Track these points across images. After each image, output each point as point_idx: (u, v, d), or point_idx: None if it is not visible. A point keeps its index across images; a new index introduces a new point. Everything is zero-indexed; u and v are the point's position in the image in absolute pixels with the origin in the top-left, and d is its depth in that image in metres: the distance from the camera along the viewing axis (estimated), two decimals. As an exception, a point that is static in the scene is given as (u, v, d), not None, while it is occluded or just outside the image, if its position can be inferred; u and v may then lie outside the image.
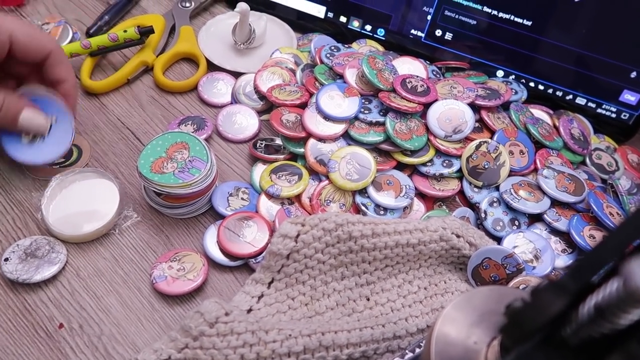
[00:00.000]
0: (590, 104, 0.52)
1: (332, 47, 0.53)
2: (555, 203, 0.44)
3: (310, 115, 0.47)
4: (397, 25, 0.55)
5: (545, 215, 0.43)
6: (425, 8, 0.53)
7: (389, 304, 0.40)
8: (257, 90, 0.51)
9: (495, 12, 0.51)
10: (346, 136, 0.47)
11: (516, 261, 0.40)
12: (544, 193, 0.44)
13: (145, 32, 0.52)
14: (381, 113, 0.47)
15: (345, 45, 0.54)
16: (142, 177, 0.40)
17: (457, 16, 0.53)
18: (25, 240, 0.40)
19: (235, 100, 0.51)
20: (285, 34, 0.57)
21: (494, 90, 0.49)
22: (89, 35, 0.54)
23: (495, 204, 0.44)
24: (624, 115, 0.52)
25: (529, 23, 0.51)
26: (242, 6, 0.52)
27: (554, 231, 0.43)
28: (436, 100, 0.47)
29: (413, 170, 0.46)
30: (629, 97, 0.51)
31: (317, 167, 0.45)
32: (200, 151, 0.42)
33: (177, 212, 0.43)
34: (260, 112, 0.51)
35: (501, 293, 0.29)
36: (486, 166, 0.45)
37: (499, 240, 0.43)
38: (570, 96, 0.53)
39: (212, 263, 0.41)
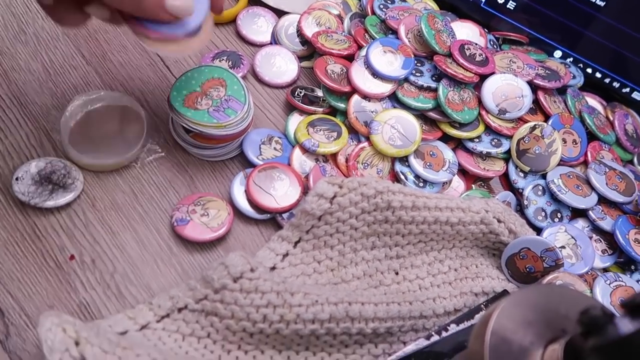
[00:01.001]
0: (649, 101, 0.49)
1: (387, -1, 0.49)
2: (602, 200, 0.41)
3: (357, 69, 0.43)
4: (458, -15, 0.51)
5: (590, 212, 0.41)
6: (492, -30, 0.49)
7: (417, 281, 0.38)
8: (300, 33, 0.47)
9: (568, -14, 0.47)
10: (393, 97, 0.43)
11: (556, 256, 0.38)
12: (593, 188, 0.41)
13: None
14: (434, 78, 0.43)
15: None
16: (172, 111, 0.37)
17: (525, -16, 0.48)
18: (40, 161, 0.36)
19: (275, 40, 0.47)
20: (335, -24, 0.53)
21: (554, 71, 0.46)
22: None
23: (539, 193, 0.41)
24: (682, 118, 0.49)
25: (602, 3, 0.47)
26: (296, -63, 0.47)
27: (597, 229, 0.41)
28: (494, 72, 0.44)
29: (458, 144, 0.43)
30: (690, 99, 0.48)
31: (358, 126, 0.42)
32: (238, 91, 0.39)
33: (205, 154, 0.40)
34: (301, 58, 0.47)
35: (562, 294, 0.27)
36: (537, 151, 0.42)
37: (538, 231, 0.40)
38: (627, 89, 0.49)
39: (237, 213, 0.38)
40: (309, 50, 0.47)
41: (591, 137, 0.45)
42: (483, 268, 0.40)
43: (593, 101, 0.48)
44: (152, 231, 0.36)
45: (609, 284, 0.38)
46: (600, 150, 0.44)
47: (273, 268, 0.36)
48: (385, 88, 0.43)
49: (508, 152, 0.42)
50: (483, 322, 0.25)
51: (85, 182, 0.37)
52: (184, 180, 0.39)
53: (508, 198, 0.42)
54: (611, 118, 0.47)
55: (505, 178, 0.43)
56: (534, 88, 0.45)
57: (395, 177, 0.41)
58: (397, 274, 0.38)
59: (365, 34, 0.46)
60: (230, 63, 0.44)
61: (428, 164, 0.41)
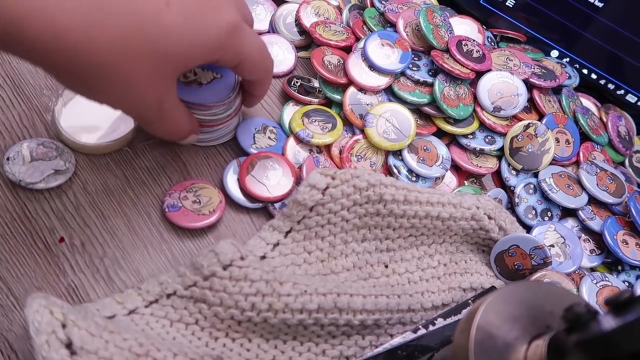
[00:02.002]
0: (640, 103, 0.50)
1: (386, -9, 0.49)
2: (592, 200, 0.42)
3: (354, 61, 0.43)
4: (457, -20, 0.51)
5: (580, 212, 0.41)
6: (493, -33, 0.49)
7: (406, 274, 0.38)
8: (298, 23, 0.47)
9: (567, -14, 0.47)
10: (389, 91, 0.43)
11: (545, 254, 0.38)
12: (583, 188, 0.42)
13: None
14: (430, 73, 0.43)
15: (400, -8, 0.50)
16: None
17: (525, -17, 0.48)
18: (32, 142, 0.36)
19: (273, 29, 0.47)
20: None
21: (550, 70, 0.46)
22: None
23: (531, 191, 0.42)
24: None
25: (601, 4, 0.47)
26: None
27: (586, 229, 0.41)
28: (490, 70, 0.44)
29: (452, 140, 0.43)
30: (683, 103, 0.48)
31: (353, 118, 0.42)
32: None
33: (214, 136, 0.39)
34: (298, 48, 0.47)
35: (548, 291, 0.27)
36: (530, 150, 0.42)
37: (528, 229, 0.41)
38: (622, 91, 0.50)
39: (229, 200, 0.38)
40: (307, 41, 0.47)
41: (584, 137, 0.45)
42: (472, 264, 0.40)
43: (587, 102, 0.49)
44: (143, 216, 0.36)
45: (596, 284, 0.39)
46: (593, 151, 0.44)
47: (263, 257, 0.36)
48: (382, 81, 0.43)
49: (501, 149, 0.43)
50: (469, 317, 0.26)
51: (77, 164, 0.37)
52: (176, 167, 0.39)
53: (499, 195, 0.42)
54: (604, 119, 0.47)
55: (497, 175, 0.43)
56: (530, 86, 0.45)
57: (389, 171, 0.41)
58: (386, 267, 0.38)
59: (364, 26, 0.46)
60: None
61: (421, 158, 0.41)
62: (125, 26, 0.27)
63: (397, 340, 0.35)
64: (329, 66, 0.43)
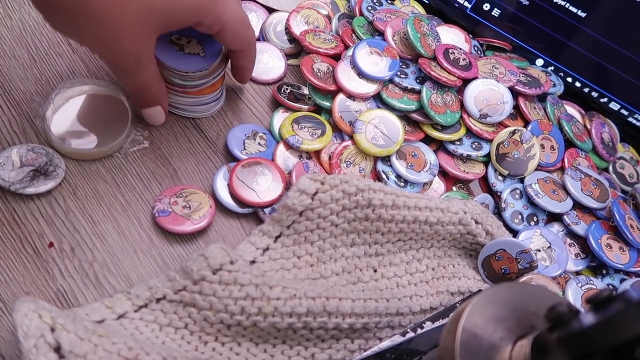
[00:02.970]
0: (623, 110, 0.51)
1: (374, 1, 0.49)
2: (577, 205, 0.42)
3: (343, 68, 0.44)
4: (445, -10, 0.52)
5: (565, 217, 0.42)
6: (479, -23, 0.50)
7: (395, 278, 0.39)
8: (288, 31, 0.47)
9: (551, -4, 0.48)
10: (377, 98, 0.44)
11: (531, 258, 0.38)
12: (568, 194, 0.42)
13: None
14: (418, 80, 0.44)
15: (388, 1, 0.51)
16: None
17: (511, -7, 0.49)
18: (22, 147, 0.36)
19: (263, 37, 0.48)
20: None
21: (535, 78, 0.47)
22: None
23: (517, 196, 0.42)
24: (656, 128, 0.50)
25: (584, 15, 0.48)
26: (288, -64, 0.48)
27: (571, 234, 0.42)
28: (476, 77, 0.45)
29: (439, 146, 0.44)
30: (665, 110, 0.49)
31: (342, 125, 0.42)
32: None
33: (181, 102, 0.40)
34: (288, 55, 0.47)
35: (532, 292, 0.28)
36: (516, 155, 0.43)
37: (515, 233, 0.41)
38: (605, 99, 0.51)
39: (220, 206, 0.38)
40: (297, 49, 0.48)
41: (569, 144, 0.46)
42: (460, 268, 0.41)
43: (572, 109, 0.50)
44: (133, 221, 0.36)
45: (581, 287, 0.39)
46: (577, 157, 0.45)
47: (253, 262, 0.36)
48: (370, 88, 0.43)
49: (488, 155, 0.43)
50: (455, 318, 0.26)
51: (67, 170, 0.37)
52: (166, 172, 0.39)
53: (486, 200, 0.43)
54: (589, 126, 0.48)
55: (484, 181, 0.44)
56: (515, 94, 0.46)
57: (377, 176, 0.42)
58: (375, 271, 0.39)
59: (353, 35, 0.47)
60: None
61: (409, 164, 0.42)
62: None
63: (386, 343, 0.35)
64: (319, 73, 0.44)
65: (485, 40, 0.51)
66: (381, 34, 0.46)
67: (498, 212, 0.43)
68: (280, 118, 0.43)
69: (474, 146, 0.43)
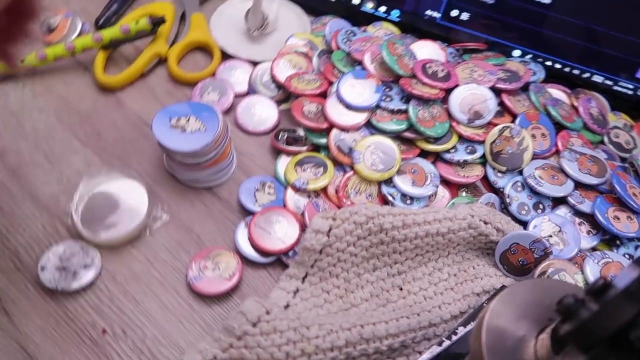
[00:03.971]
0: (607, 81, 0.52)
1: (348, 32, 0.52)
2: (578, 185, 0.44)
3: (332, 105, 0.46)
4: (412, 6, 0.54)
5: (569, 198, 0.44)
6: (440, -12, 0.52)
7: (421, 292, 0.41)
8: (274, 80, 0.50)
9: (512, -9, 0.50)
10: (369, 125, 0.46)
11: (544, 245, 0.40)
12: (567, 176, 0.44)
13: (157, 22, 0.51)
14: (403, 100, 0.46)
15: (361, 29, 0.53)
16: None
17: (473, -5, 0.52)
18: (59, 247, 0.40)
19: (252, 90, 0.51)
20: (297, 18, 0.56)
21: (514, 72, 0.49)
22: (98, 26, 0.53)
23: (519, 189, 0.44)
24: (641, 92, 0.52)
25: (549, 1, 0.50)
26: (255, -8, 0.51)
27: (578, 213, 0.44)
28: (457, 85, 0.47)
29: (436, 157, 0.46)
30: (646, 73, 0.51)
31: (341, 158, 0.45)
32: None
33: (196, 177, 0.44)
34: (279, 102, 0.50)
35: (544, 286, 0.30)
36: (510, 151, 0.45)
37: (524, 224, 0.43)
38: (588, 74, 0.53)
39: (245, 260, 0.41)
40: (286, 93, 0.50)
41: (559, 127, 0.48)
42: (480, 268, 0.43)
43: (558, 92, 0.51)
44: (171, 293, 0.39)
45: (597, 263, 0.41)
46: (570, 138, 0.47)
47: (287, 306, 0.39)
48: (360, 118, 0.46)
49: (483, 156, 0.45)
50: (478, 324, 0.28)
51: (102, 258, 0.40)
52: (191, 239, 0.42)
53: (491, 199, 0.45)
54: (576, 104, 0.50)
55: (486, 180, 0.46)
56: (498, 91, 0.48)
57: (384, 199, 0.44)
58: (401, 289, 0.41)
59: (334, 69, 0.50)
60: (218, 92, 0.49)
61: (412, 181, 0.44)
62: None
63: (426, 356, 0.37)
64: (310, 115, 0.46)
65: (460, 45, 0.53)
66: (360, 63, 0.49)
67: (505, 207, 0.45)
68: (283, 163, 0.46)
69: (468, 150, 0.45)
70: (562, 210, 0.44)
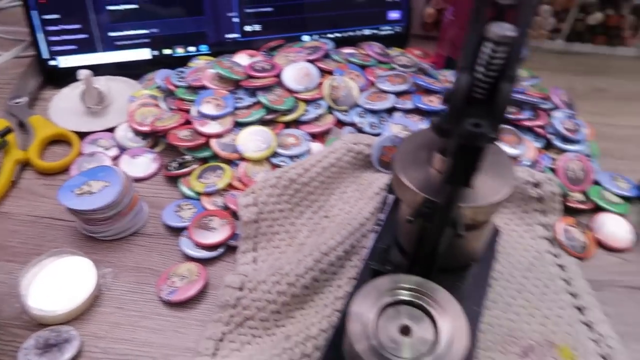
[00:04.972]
0: (374, 31, 0.70)
1: (177, 72, 0.61)
2: (398, 94, 0.59)
3: (200, 123, 0.54)
4: (214, 37, 0.66)
5: (396, 105, 0.58)
6: (229, 14, 0.65)
7: (342, 211, 0.51)
8: (138, 132, 0.56)
9: (281, -5, 0.65)
10: (237, 125, 0.55)
11: (400, 138, 0.54)
12: (387, 92, 0.59)
13: (4, 132, 0.53)
14: (252, 96, 0.57)
15: (186, 68, 0.63)
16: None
17: (256, 9, 0.65)
18: (30, 341, 0.40)
19: (123, 149, 0.56)
20: (126, 84, 0.63)
21: (315, 47, 0.63)
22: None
23: (363, 115, 0.58)
24: (398, 29, 0.71)
25: (306, -6, 0.66)
26: (84, 72, 0.57)
27: (407, 111, 0.59)
28: (281, 69, 0.59)
29: (297, 123, 0.57)
30: (393, 15, 0.70)
31: (230, 156, 0.53)
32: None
33: (121, 227, 0.47)
34: (151, 147, 0.56)
35: (419, 135, 0.42)
36: (343, 94, 0.58)
37: (379, 135, 0.56)
38: (359, 32, 0.70)
39: (201, 261, 0.46)
40: (154, 138, 0.57)
41: (363, 67, 0.63)
42: (369, 176, 0.54)
43: (351, 50, 0.67)
44: (155, 318, 0.42)
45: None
46: (374, 71, 0.62)
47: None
48: (227, 122, 0.55)
49: (329, 107, 0.58)
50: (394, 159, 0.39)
51: (75, 327, 0.41)
52: (146, 274, 0.45)
53: (349, 131, 0.57)
54: (365, 52, 0.66)
55: (339, 122, 0.58)
56: (311, 62, 0.61)
57: (277, 167, 0.53)
58: (327, 217, 0.50)
59: (183, 102, 0.58)
60: (95, 164, 0.52)
61: (292, 145, 0.54)
62: None
63: (369, 243, 0.47)
64: (186, 138, 0.54)
65: (266, 47, 0.66)
66: (203, 87, 0.58)
67: (361, 132, 0.57)
68: (185, 185, 0.52)
69: (315, 108, 0.57)
70: (398, 114, 0.58)
